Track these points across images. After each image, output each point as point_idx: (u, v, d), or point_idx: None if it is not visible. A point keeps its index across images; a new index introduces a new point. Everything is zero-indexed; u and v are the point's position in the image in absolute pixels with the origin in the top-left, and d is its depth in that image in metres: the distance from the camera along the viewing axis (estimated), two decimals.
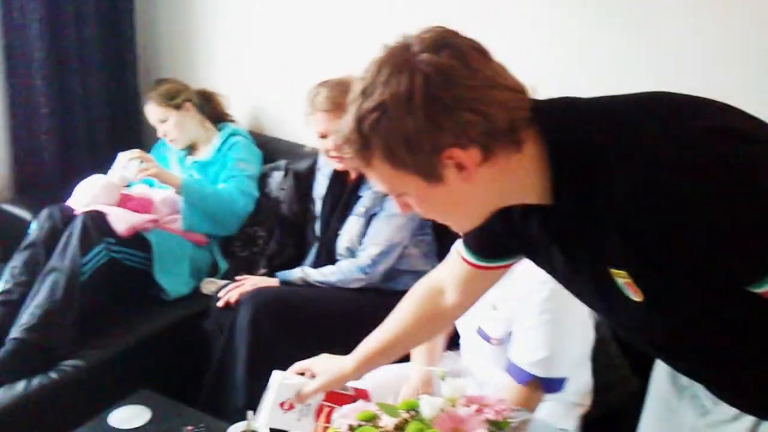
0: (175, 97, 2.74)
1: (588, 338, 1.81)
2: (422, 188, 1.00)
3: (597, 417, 1.92)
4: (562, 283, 1.19)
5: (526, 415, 1.18)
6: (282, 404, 1.49)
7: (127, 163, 2.61)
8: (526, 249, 1.19)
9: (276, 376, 1.53)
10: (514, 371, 1.72)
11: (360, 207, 2.41)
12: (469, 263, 1.33)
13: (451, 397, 1.21)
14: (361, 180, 2.44)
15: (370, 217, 2.40)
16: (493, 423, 1.16)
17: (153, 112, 2.76)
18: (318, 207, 2.61)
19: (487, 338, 1.81)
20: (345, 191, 2.48)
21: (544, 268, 1.19)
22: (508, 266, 1.34)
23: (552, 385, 1.71)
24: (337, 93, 2.28)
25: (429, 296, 1.45)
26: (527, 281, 1.71)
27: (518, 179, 1.00)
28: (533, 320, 1.69)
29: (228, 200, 2.68)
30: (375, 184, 1.04)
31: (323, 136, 2.36)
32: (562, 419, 1.81)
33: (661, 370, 1.32)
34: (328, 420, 1.29)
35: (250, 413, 1.69)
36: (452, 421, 1.15)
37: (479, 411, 1.17)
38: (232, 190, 2.69)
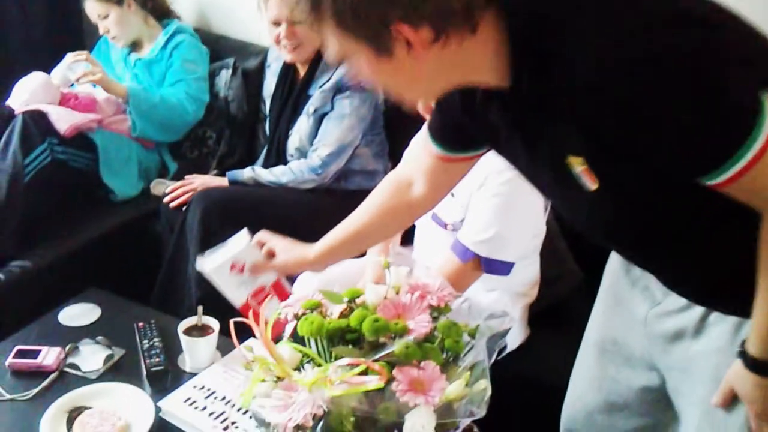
0: None
1: (539, 231, 1.84)
2: (372, 59, 0.97)
3: (543, 307, 1.99)
4: (524, 173, 1.19)
5: (467, 301, 1.21)
6: (234, 265, 1.43)
7: (72, 63, 2.51)
8: (489, 137, 1.16)
9: (245, 234, 1.48)
10: (459, 249, 1.75)
11: (309, 107, 2.37)
12: (436, 156, 1.30)
13: (395, 284, 1.22)
14: (310, 78, 2.39)
15: (320, 117, 2.37)
16: (435, 309, 1.18)
17: (93, 7, 2.64)
18: (267, 106, 2.56)
19: (442, 224, 1.83)
20: (294, 90, 2.44)
21: (506, 157, 1.18)
22: (475, 158, 1.32)
23: (493, 266, 1.74)
24: None
25: (397, 189, 1.42)
26: (486, 169, 1.73)
27: (473, 61, 0.98)
28: (485, 203, 1.72)
29: (177, 107, 2.61)
30: (329, 52, 1.01)
31: (276, 23, 2.30)
32: (508, 308, 1.86)
33: (615, 262, 1.33)
34: (260, 303, 1.28)
35: (200, 308, 1.71)
36: (396, 307, 1.17)
37: (422, 297, 1.19)
38: (181, 96, 2.62)
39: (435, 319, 1.17)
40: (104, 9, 2.62)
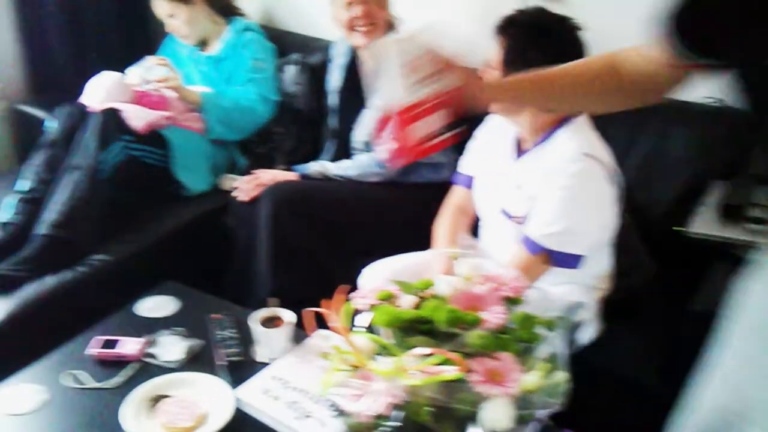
0: None
1: (609, 224, 1.81)
2: None
3: (616, 301, 1.95)
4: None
5: (542, 291, 1.20)
6: (419, 56, 1.18)
7: (153, 66, 2.59)
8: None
9: (438, 26, 1.23)
10: (528, 242, 1.73)
11: (375, 99, 2.38)
12: (659, 61, 1.10)
13: (467, 275, 1.22)
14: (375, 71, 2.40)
15: None
16: (509, 300, 1.18)
17: (161, 7, 2.70)
18: (332, 100, 2.58)
19: (511, 217, 1.81)
20: (359, 83, 2.45)
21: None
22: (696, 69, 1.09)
23: (563, 259, 1.72)
24: None
25: (610, 66, 1.22)
26: (553, 161, 1.71)
27: None
28: (553, 194, 1.70)
29: (250, 110, 2.67)
30: None
31: (350, 3, 2.32)
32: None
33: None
34: (413, 120, 1.11)
35: (274, 300, 1.74)
36: (469, 299, 1.17)
37: (496, 288, 1.18)
38: (252, 98, 2.67)
39: (510, 310, 1.16)
40: (172, 8, 2.68)
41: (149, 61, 2.62)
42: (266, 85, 2.72)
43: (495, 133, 1.94)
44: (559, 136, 1.75)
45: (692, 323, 1.76)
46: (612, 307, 1.94)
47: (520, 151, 1.84)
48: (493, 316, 1.13)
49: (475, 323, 1.11)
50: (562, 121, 1.76)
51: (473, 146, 2.03)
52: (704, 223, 1.99)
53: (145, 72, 2.60)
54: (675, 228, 2.07)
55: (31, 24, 2.99)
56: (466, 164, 2.06)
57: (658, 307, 2.04)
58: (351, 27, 2.36)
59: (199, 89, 2.71)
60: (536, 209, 1.74)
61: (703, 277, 1.88)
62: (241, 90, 2.69)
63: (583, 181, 1.68)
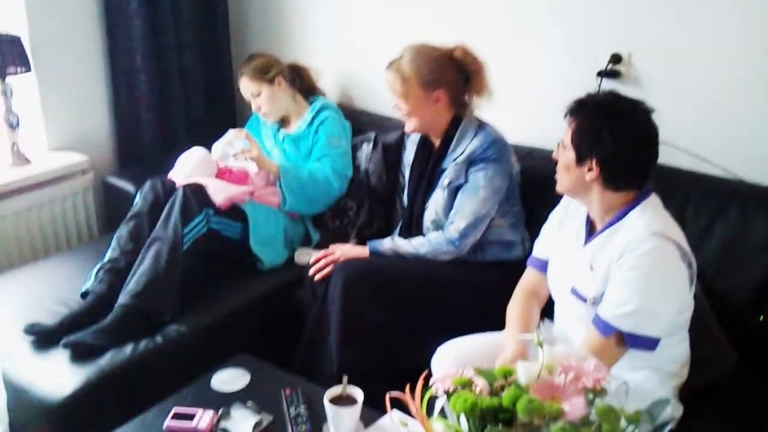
0: (267, 71, 2.80)
1: (685, 305, 1.76)
2: None
3: (695, 390, 1.88)
4: None
5: (624, 383, 1.17)
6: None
7: (233, 139, 2.70)
8: None
9: None
10: (599, 323, 1.70)
11: (444, 180, 2.41)
12: None
13: (548, 364, 1.21)
14: (444, 152, 2.43)
15: (454, 190, 2.40)
16: (590, 391, 1.15)
17: (246, 86, 2.83)
18: (405, 178, 2.62)
19: (582, 298, 1.79)
20: (429, 163, 2.48)
21: None
22: None
23: (636, 341, 1.67)
24: (416, 58, 2.35)
25: None
26: (624, 240, 1.69)
27: None
28: (624, 274, 1.67)
29: (324, 183, 2.74)
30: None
31: (391, 88, 2.41)
32: (658, 389, 1.77)
33: None
34: None
35: (345, 378, 1.74)
36: (548, 388, 1.15)
37: (576, 379, 1.16)
38: (327, 172, 2.74)
39: (590, 401, 1.14)
40: (257, 87, 2.81)
41: (230, 134, 2.73)
42: (341, 161, 2.79)
43: (568, 214, 1.94)
44: (631, 216, 1.74)
45: None
46: (692, 397, 1.87)
47: (593, 231, 1.83)
48: (574, 407, 1.11)
49: (556, 414, 1.10)
50: (634, 202, 1.75)
51: (547, 227, 2.03)
52: None
53: (227, 145, 2.71)
54: (761, 317, 2.00)
55: (123, 102, 3.17)
56: (539, 247, 2.05)
57: (740, 400, 1.96)
58: (397, 110, 2.44)
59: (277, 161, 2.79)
60: (608, 290, 1.71)
61: None
62: (317, 165, 2.77)
63: (654, 261, 1.66)
